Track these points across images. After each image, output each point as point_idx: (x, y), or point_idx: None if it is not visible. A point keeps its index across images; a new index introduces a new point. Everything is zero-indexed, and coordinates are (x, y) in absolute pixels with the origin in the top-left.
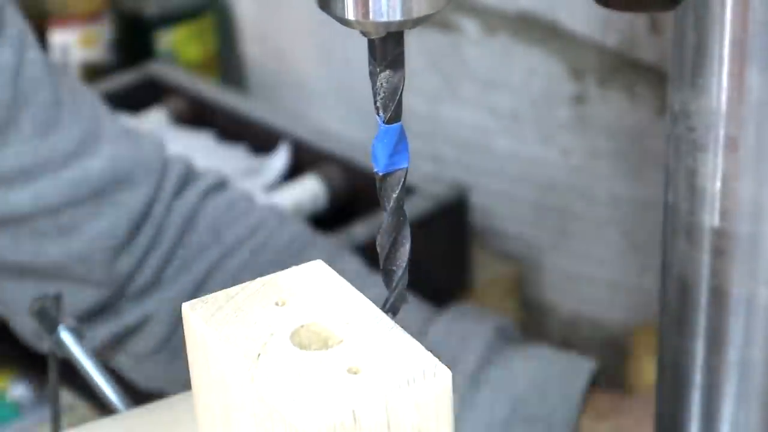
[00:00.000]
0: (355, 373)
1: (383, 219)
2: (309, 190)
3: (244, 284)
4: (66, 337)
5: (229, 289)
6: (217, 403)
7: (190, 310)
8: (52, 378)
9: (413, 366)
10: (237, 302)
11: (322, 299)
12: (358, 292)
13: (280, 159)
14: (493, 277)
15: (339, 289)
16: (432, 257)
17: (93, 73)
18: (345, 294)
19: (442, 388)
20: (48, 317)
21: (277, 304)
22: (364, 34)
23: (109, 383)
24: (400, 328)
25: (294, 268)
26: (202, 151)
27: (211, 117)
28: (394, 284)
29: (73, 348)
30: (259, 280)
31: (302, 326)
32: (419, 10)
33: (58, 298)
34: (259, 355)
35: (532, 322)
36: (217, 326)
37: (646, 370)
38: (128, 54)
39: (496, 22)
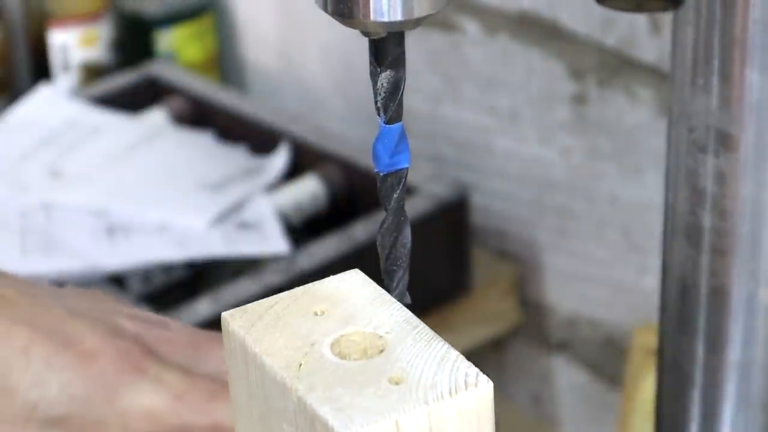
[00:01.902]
0: (397, 383)
1: (383, 219)
2: (309, 190)
3: (281, 294)
4: None
5: (267, 299)
6: (257, 411)
7: (230, 319)
8: None
9: (455, 376)
10: (276, 312)
11: (360, 308)
12: (396, 301)
13: (280, 159)
14: (493, 277)
15: (377, 298)
16: (432, 257)
17: (93, 73)
18: (383, 303)
19: (483, 398)
20: None
21: (316, 313)
22: (364, 34)
23: None
24: (439, 338)
25: (332, 277)
26: (202, 151)
27: (211, 117)
28: (394, 284)
29: None
30: (297, 289)
31: (342, 336)
32: (420, 10)
33: None
34: (300, 365)
35: (531, 322)
36: (258, 336)
37: (646, 370)
38: (128, 54)
39: (496, 22)
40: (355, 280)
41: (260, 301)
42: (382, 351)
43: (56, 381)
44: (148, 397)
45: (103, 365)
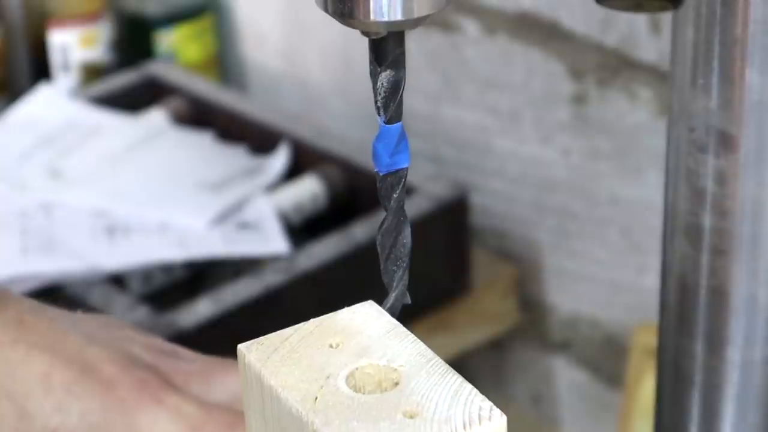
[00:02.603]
0: (411, 416)
1: (383, 219)
2: (309, 190)
3: (297, 326)
4: None
5: (282, 331)
6: None
7: (246, 351)
8: None
9: (469, 409)
10: (291, 344)
11: (375, 341)
12: (411, 333)
13: (280, 159)
14: (492, 277)
15: (391, 331)
16: (432, 257)
17: (93, 73)
18: (397, 336)
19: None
20: None
21: (331, 346)
22: (364, 33)
23: None
24: (453, 371)
25: (346, 309)
26: (202, 151)
27: (211, 117)
28: (394, 284)
29: None
30: (312, 321)
31: (357, 369)
32: (420, 9)
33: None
34: (316, 398)
35: (531, 322)
36: (274, 368)
37: (646, 370)
38: (128, 54)
39: (496, 22)
40: (369, 312)
41: (275, 333)
42: (396, 384)
43: (77, 408)
44: (165, 427)
45: (122, 394)
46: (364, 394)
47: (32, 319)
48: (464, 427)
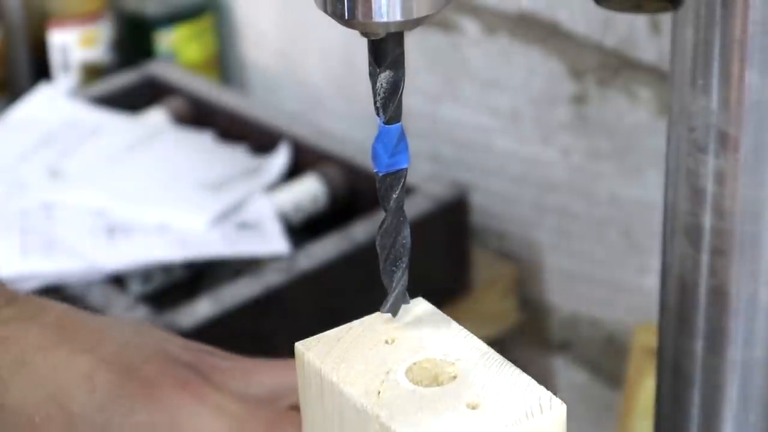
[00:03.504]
0: (474, 408)
1: (383, 219)
2: (309, 190)
3: (350, 324)
4: None
5: (338, 329)
6: None
7: (305, 349)
8: None
9: (529, 399)
10: (347, 341)
11: (429, 336)
12: (463, 328)
13: (280, 159)
14: (492, 277)
15: (444, 326)
16: (432, 257)
17: (93, 73)
18: (450, 330)
19: (557, 420)
20: None
21: (386, 342)
22: (364, 34)
23: None
24: (509, 363)
25: None
26: (202, 151)
27: (211, 117)
28: (393, 285)
29: None
30: (364, 318)
31: (414, 363)
32: (419, 10)
33: None
34: (378, 392)
35: (531, 322)
36: (333, 364)
37: (646, 370)
38: (128, 54)
39: (496, 22)
40: (420, 306)
41: (331, 330)
42: (454, 377)
43: (121, 408)
44: (209, 425)
45: (164, 393)
46: (425, 387)
47: (72, 323)
48: (527, 417)
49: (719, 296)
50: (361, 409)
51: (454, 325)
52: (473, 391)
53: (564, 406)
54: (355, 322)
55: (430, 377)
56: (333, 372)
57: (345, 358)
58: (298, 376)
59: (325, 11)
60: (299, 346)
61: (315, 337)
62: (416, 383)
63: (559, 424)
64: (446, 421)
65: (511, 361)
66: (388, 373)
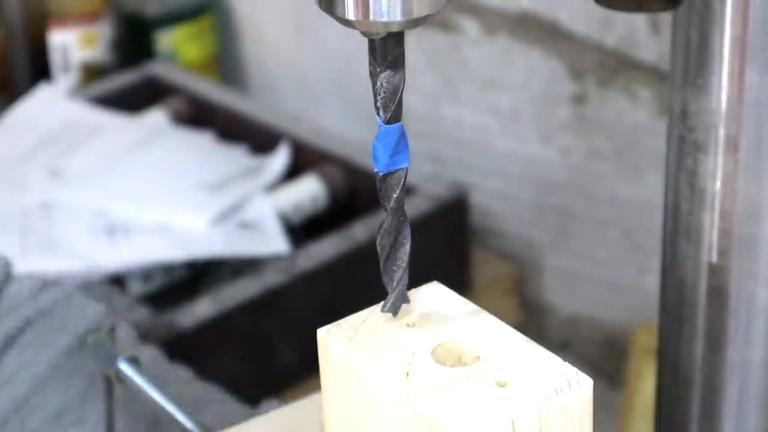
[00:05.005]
0: (503, 385)
1: (383, 219)
2: (309, 190)
3: (371, 308)
4: (125, 367)
5: (359, 313)
6: (359, 424)
7: (327, 335)
8: (108, 408)
9: (557, 376)
10: (370, 325)
11: (450, 318)
12: (483, 310)
13: (280, 159)
14: (492, 277)
15: (463, 308)
16: (432, 257)
17: (93, 73)
18: (469, 311)
19: (585, 395)
20: (104, 349)
21: (408, 325)
22: (364, 34)
23: (179, 410)
24: (532, 341)
25: (414, 290)
26: (201, 151)
27: (211, 117)
28: (394, 284)
29: (134, 378)
30: (381, 304)
31: (438, 345)
32: (419, 10)
33: (113, 329)
34: (407, 374)
35: (531, 322)
36: (358, 348)
37: (646, 370)
38: (128, 54)
39: (496, 22)
40: (436, 290)
41: (352, 315)
42: (478, 357)
43: None
44: None
45: None
46: (453, 367)
47: None
48: (556, 393)
49: (719, 296)
50: (392, 392)
51: (474, 307)
52: (500, 369)
53: (591, 381)
54: (375, 306)
55: (454, 358)
56: (358, 357)
57: (369, 342)
58: (320, 363)
59: (325, 11)
60: (321, 332)
61: (337, 322)
62: (442, 364)
63: (586, 399)
64: (478, 399)
65: None
66: (414, 354)
